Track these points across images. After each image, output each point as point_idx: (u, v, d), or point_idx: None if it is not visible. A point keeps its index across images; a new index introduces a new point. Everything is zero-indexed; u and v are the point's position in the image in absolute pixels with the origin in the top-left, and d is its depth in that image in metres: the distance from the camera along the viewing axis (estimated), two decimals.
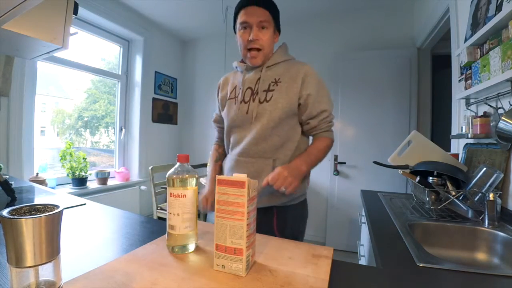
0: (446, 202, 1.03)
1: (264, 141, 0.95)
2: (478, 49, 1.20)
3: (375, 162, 1.32)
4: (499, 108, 1.08)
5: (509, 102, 1.03)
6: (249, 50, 0.96)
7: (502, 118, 0.96)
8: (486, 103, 1.19)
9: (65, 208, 0.93)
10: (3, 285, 0.45)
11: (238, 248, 0.52)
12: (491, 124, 1.16)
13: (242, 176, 0.52)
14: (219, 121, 1.17)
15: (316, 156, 0.96)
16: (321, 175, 2.82)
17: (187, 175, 0.61)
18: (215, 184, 0.56)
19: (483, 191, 0.97)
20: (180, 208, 0.60)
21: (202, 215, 2.83)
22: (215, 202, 0.55)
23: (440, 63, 2.55)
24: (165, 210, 1.19)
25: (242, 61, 1.06)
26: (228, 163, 1.04)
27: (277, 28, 1.02)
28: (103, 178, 2.58)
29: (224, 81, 1.14)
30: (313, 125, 0.99)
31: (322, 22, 2.84)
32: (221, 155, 1.16)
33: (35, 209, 0.41)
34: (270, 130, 0.94)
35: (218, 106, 1.15)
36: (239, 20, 0.97)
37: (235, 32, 1.02)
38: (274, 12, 0.98)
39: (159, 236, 0.70)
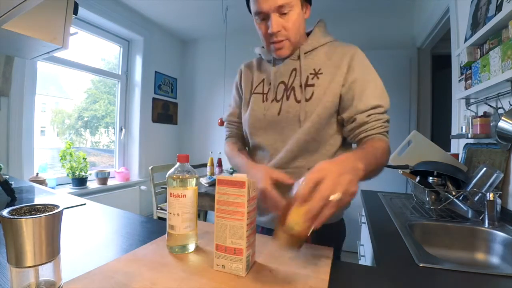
0: (446, 202, 1.03)
1: (304, 152, 0.75)
2: (478, 49, 1.20)
3: None
4: (499, 108, 1.08)
5: (509, 102, 1.03)
6: (272, 42, 0.75)
7: (502, 118, 0.96)
8: (486, 103, 1.19)
9: (65, 208, 0.93)
10: (3, 285, 0.45)
11: (238, 248, 0.52)
12: (491, 124, 1.16)
13: (242, 176, 0.52)
14: (238, 115, 0.92)
15: (374, 155, 0.63)
16: None
17: (187, 175, 0.61)
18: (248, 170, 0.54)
19: (483, 191, 0.97)
20: (180, 208, 0.60)
21: (202, 215, 2.83)
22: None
23: (440, 63, 2.55)
24: (165, 210, 1.19)
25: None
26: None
27: (306, 0, 0.76)
28: (103, 178, 2.58)
29: (247, 69, 0.90)
30: (360, 121, 0.70)
31: None
32: (242, 149, 0.91)
33: (35, 209, 0.41)
34: (311, 136, 0.74)
35: (236, 98, 0.92)
36: (251, 7, 0.75)
37: (250, 12, 0.78)
38: None
39: (159, 236, 0.70)
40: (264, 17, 0.72)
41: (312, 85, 0.75)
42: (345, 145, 0.81)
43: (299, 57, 0.78)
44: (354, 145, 0.79)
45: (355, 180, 0.50)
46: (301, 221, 0.45)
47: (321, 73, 0.76)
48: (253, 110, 0.81)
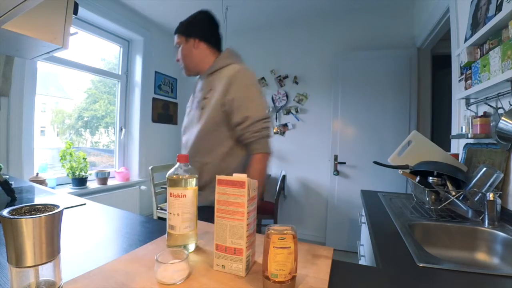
0: (446, 202, 1.03)
1: (201, 150, 1.01)
2: (478, 49, 1.20)
3: (375, 162, 1.32)
4: (499, 108, 1.08)
5: (509, 102, 1.03)
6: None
7: (502, 118, 0.96)
8: (486, 103, 1.19)
9: (65, 208, 0.93)
10: (3, 285, 0.45)
11: (238, 248, 0.52)
12: (491, 124, 1.16)
13: (242, 176, 0.52)
14: None
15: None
16: (321, 175, 2.83)
17: (187, 175, 0.61)
18: None
19: (483, 191, 0.97)
20: (180, 208, 0.60)
21: None
22: None
23: (440, 63, 2.54)
24: (165, 210, 1.19)
25: None
26: None
27: (193, 36, 1.07)
28: (103, 178, 2.58)
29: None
30: (238, 133, 0.97)
31: (322, 22, 2.84)
32: None
33: (35, 209, 0.41)
34: (202, 138, 1.01)
35: None
36: None
37: None
38: (182, 31, 1.08)
39: (159, 236, 0.70)
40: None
41: (207, 98, 1.01)
42: (240, 145, 1.01)
43: (200, 78, 1.11)
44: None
45: None
46: (281, 268, 0.45)
47: (214, 90, 1.00)
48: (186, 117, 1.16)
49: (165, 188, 1.24)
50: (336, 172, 2.61)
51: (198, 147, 1.02)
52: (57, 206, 0.42)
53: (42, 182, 1.90)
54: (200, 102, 1.04)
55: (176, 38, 1.10)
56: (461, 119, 1.50)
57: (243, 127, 0.95)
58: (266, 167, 0.98)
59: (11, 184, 1.06)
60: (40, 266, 0.38)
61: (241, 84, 0.96)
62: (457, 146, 1.57)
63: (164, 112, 3.36)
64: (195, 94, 1.11)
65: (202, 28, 1.09)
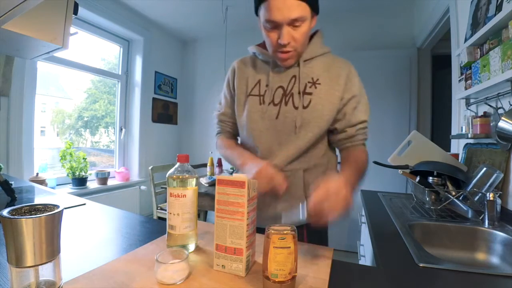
0: (446, 202, 1.03)
1: (303, 156, 0.79)
2: (478, 49, 1.20)
3: (375, 162, 1.32)
4: (499, 108, 1.08)
5: (509, 102, 1.03)
6: (280, 52, 0.75)
7: (502, 118, 0.96)
8: (486, 103, 1.19)
9: (65, 208, 0.93)
10: (3, 285, 0.45)
11: (238, 248, 0.52)
12: (491, 124, 1.16)
13: (242, 176, 0.52)
14: (230, 115, 0.91)
15: (360, 170, 0.78)
16: None
17: (187, 175, 0.61)
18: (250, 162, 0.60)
19: (483, 191, 0.97)
20: (180, 208, 0.60)
21: (202, 215, 2.83)
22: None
23: (440, 63, 2.55)
24: (165, 210, 1.19)
25: (263, 45, 0.83)
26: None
27: (314, 11, 0.76)
28: (103, 178, 2.58)
29: (241, 67, 0.88)
30: (350, 133, 0.81)
31: (322, 22, 2.82)
32: (236, 141, 0.94)
33: (35, 209, 0.41)
34: (311, 144, 0.79)
35: (227, 97, 0.91)
36: (262, 13, 0.72)
37: (257, 14, 0.77)
38: (312, 2, 0.72)
39: (159, 236, 0.70)
40: (275, 26, 0.72)
41: (310, 94, 0.78)
42: (330, 147, 0.88)
43: (298, 64, 0.80)
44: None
45: (350, 196, 0.60)
46: (281, 268, 0.46)
47: (318, 83, 0.79)
48: (251, 113, 0.82)
49: (165, 188, 1.23)
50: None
51: (303, 153, 0.79)
52: (57, 206, 0.42)
53: (42, 182, 1.91)
54: (302, 96, 0.78)
55: (300, 10, 0.69)
56: (461, 119, 1.50)
57: (358, 128, 0.82)
58: (367, 167, 0.85)
59: (11, 184, 1.06)
60: (40, 266, 0.38)
61: (358, 82, 0.83)
62: (457, 146, 1.57)
63: (164, 112, 3.36)
64: (271, 85, 0.81)
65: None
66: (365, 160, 0.82)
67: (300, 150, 0.78)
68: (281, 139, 0.80)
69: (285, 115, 0.79)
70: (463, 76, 1.32)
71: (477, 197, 1.00)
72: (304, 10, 0.70)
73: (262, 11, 0.72)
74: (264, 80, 0.83)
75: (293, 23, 0.70)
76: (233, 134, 0.95)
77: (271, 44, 0.76)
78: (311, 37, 0.84)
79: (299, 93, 0.79)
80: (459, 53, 1.36)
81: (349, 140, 0.83)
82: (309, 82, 0.79)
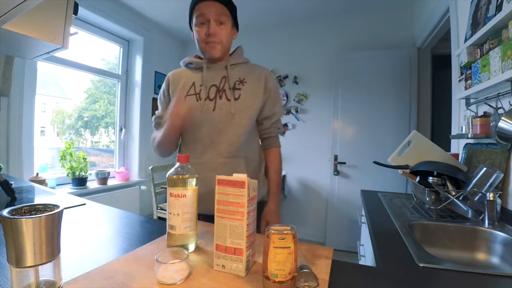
0: (446, 202, 1.03)
1: (239, 140, 0.94)
2: (478, 49, 1.20)
3: (375, 162, 1.32)
4: (499, 108, 1.08)
5: (509, 102, 1.03)
6: (208, 42, 0.92)
7: (502, 118, 0.96)
8: (486, 103, 1.19)
9: (65, 208, 0.93)
10: (3, 285, 0.45)
11: (238, 248, 0.52)
12: (491, 124, 1.16)
13: (242, 176, 0.52)
14: None
15: (278, 180, 1.04)
16: (321, 175, 2.82)
17: (187, 175, 0.61)
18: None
19: (483, 191, 0.97)
20: (180, 208, 0.60)
21: (202, 215, 2.83)
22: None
23: (440, 63, 2.54)
24: (165, 210, 1.19)
25: (197, 57, 1.03)
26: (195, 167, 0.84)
27: (235, 25, 1.00)
28: (103, 178, 2.58)
29: (175, 76, 1.02)
30: (265, 126, 1.02)
31: (322, 22, 2.84)
32: None
33: (35, 209, 0.41)
34: (247, 129, 0.95)
35: (163, 104, 1.03)
36: (195, 14, 0.92)
37: (191, 29, 0.98)
38: (231, 8, 0.95)
39: (159, 236, 0.70)
40: (204, 21, 0.91)
41: (239, 89, 0.96)
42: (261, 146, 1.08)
43: (226, 67, 0.98)
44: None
45: (278, 213, 1.00)
46: (281, 268, 0.46)
47: (245, 82, 0.97)
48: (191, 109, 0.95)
49: (165, 188, 1.23)
50: (336, 172, 2.61)
51: (243, 139, 0.95)
52: (57, 206, 0.42)
53: (42, 182, 1.91)
54: (233, 91, 0.95)
55: (223, 11, 0.91)
56: (461, 119, 1.50)
57: (273, 121, 1.02)
58: (281, 164, 1.07)
59: (11, 184, 1.06)
60: (40, 266, 0.38)
61: (274, 83, 1.03)
62: (457, 146, 1.57)
63: None
64: (205, 84, 0.96)
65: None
66: (279, 162, 1.05)
67: (239, 136, 0.93)
68: (220, 126, 0.93)
69: (221, 107, 0.93)
70: (463, 76, 1.32)
71: (477, 197, 1.00)
72: (227, 14, 0.92)
73: (195, 12, 0.92)
74: (198, 82, 0.97)
75: (218, 19, 0.91)
76: None
77: (201, 38, 0.93)
78: (235, 50, 1.05)
79: (230, 88, 0.95)
80: (459, 53, 1.36)
81: (264, 132, 1.03)
82: (237, 81, 0.97)
